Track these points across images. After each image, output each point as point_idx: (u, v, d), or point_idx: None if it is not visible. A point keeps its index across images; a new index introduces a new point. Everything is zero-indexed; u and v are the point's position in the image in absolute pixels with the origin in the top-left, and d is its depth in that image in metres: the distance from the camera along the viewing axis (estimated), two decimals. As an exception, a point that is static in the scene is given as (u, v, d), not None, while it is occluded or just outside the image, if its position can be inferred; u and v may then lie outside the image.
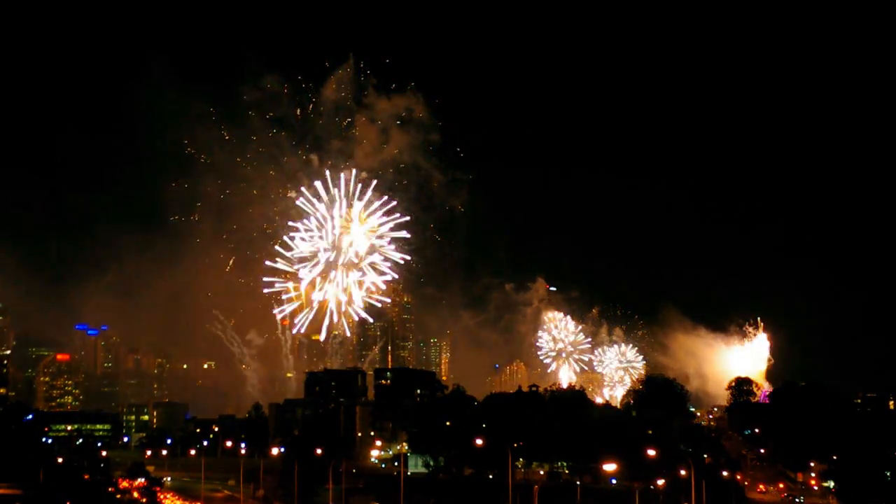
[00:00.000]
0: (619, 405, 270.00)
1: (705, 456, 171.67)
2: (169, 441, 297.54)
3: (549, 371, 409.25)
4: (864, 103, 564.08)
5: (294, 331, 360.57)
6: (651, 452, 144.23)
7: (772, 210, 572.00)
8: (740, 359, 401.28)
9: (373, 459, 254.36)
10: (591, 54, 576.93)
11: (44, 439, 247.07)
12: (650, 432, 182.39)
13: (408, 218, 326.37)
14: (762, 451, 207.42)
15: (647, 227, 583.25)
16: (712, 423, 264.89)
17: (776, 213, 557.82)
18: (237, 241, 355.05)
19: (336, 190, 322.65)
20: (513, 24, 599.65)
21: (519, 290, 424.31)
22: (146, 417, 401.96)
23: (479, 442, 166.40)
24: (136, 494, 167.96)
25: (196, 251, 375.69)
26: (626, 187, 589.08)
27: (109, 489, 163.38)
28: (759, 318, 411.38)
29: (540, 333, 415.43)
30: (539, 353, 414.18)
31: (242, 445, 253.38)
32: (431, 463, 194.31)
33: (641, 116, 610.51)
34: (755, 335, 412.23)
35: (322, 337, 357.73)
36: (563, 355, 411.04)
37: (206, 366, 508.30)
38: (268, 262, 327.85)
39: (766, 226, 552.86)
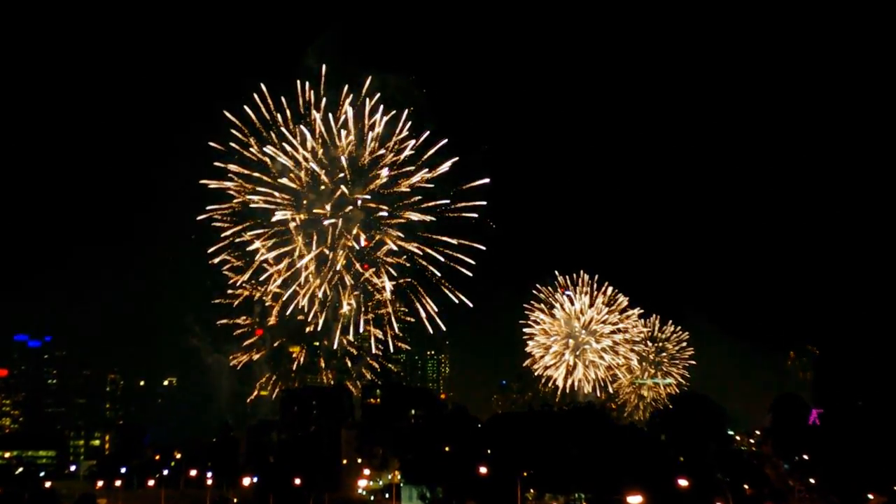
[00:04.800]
0: (645, 426, 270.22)
1: (746, 486, 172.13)
2: (124, 470, 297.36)
3: (563, 387, 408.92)
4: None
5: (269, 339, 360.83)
6: (683, 482, 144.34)
7: (815, 206, 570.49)
8: (785, 373, 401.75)
9: (360, 491, 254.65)
10: (606, 43, 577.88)
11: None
12: (682, 459, 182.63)
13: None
14: (812, 480, 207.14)
15: (671, 225, 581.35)
16: (753, 448, 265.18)
17: (820, 210, 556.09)
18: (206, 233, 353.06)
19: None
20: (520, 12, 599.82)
21: (529, 294, 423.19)
22: (97, 442, 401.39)
23: (483, 470, 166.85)
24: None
25: (159, 249, 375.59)
26: (649, 178, 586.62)
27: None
28: (805, 325, 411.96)
29: (552, 342, 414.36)
30: (550, 364, 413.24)
31: (209, 475, 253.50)
32: (428, 495, 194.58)
33: (671, 97, 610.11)
34: (802, 345, 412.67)
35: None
36: (581, 368, 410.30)
37: (167, 382, 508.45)
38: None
39: (812, 221, 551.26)
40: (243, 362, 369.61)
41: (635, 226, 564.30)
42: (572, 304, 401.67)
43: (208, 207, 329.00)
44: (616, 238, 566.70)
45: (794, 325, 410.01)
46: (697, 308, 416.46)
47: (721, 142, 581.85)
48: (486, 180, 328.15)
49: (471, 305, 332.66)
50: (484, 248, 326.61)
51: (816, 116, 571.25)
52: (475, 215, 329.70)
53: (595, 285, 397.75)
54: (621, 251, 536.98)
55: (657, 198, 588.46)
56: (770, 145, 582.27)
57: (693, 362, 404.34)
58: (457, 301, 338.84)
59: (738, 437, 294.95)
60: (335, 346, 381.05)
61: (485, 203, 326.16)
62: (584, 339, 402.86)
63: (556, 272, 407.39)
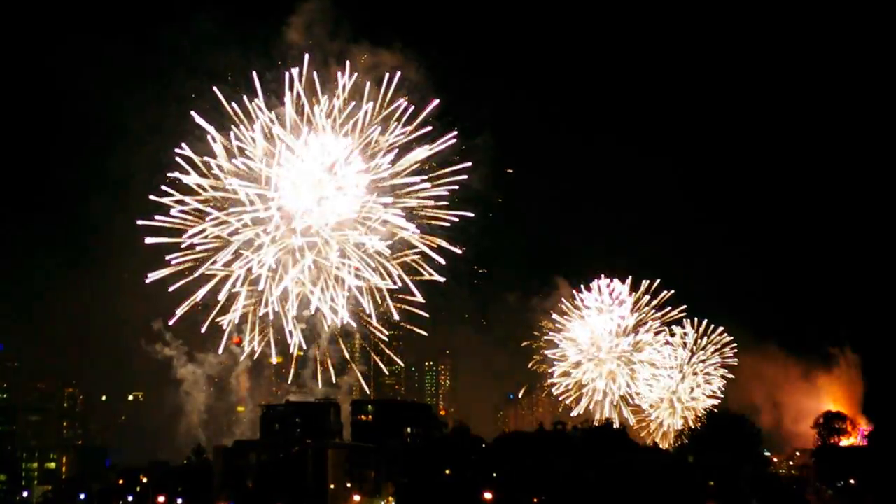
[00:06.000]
0: (670, 447, 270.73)
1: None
2: (83, 496, 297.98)
3: (579, 403, 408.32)
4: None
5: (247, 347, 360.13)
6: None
7: (857, 204, 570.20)
8: (828, 386, 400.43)
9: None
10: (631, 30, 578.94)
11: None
12: (712, 483, 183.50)
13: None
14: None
15: (691, 217, 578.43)
16: (793, 472, 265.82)
17: (862, 207, 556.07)
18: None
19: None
20: None
21: (538, 298, 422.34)
22: (53, 465, 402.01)
23: (488, 496, 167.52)
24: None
25: (121, 245, 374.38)
26: (667, 165, 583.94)
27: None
28: (851, 333, 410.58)
29: (565, 351, 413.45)
30: (564, 377, 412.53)
31: (179, 501, 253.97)
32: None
33: (711, 81, 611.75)
34: (846, 355, 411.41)
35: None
36: (599, 381, 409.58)
37: (131, 397, 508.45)
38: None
39: (853, 219, 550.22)
40: (218, 375, 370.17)
41: (660, 218, 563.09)
42: (587, 307, 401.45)
43: (172, 208, 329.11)
44: (639, 231, 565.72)
45: (840, 332, 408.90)
46: (724, 309, 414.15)
47: (763, 126, 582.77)
48: (509, 171, 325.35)
49: (484, 323, 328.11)
50: (495, 251, 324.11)
51: (864, 109, 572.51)
52: (490, 214, 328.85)
53: (618, 282, 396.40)
54: (646, 245, 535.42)
55: (683, 186, 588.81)
56: (823, 132, 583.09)
57: (731, 376, 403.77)
58: (466, 316, 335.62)
59: (775, 459, 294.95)
60: (322, 357, 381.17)
61: (501, 199, 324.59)
62: (605, 348, 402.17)
63: (568, 268, 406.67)
